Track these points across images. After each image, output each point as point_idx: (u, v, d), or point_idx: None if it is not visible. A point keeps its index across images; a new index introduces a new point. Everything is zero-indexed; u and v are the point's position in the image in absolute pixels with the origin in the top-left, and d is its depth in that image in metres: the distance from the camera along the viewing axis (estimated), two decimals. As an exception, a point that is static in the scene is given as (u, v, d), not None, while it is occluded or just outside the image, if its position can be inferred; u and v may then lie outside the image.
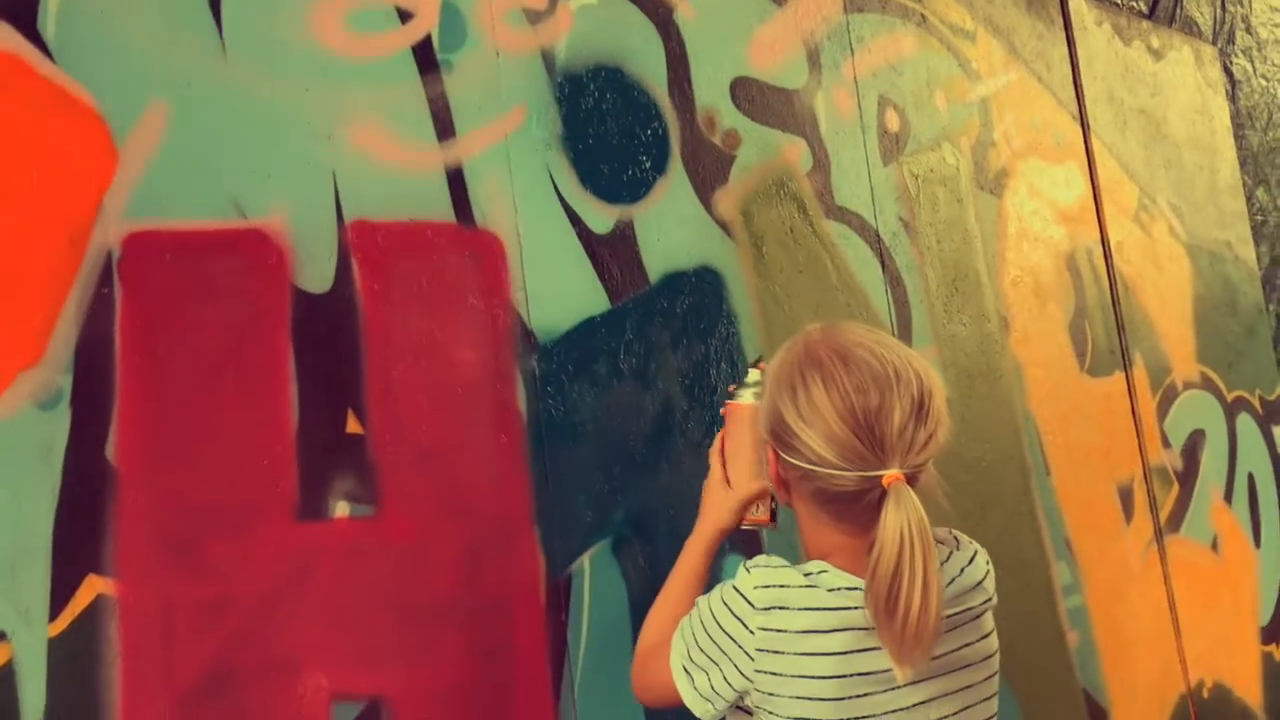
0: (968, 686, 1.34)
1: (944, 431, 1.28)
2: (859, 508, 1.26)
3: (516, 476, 1.72)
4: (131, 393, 1.38)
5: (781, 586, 1.28)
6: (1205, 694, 3.04)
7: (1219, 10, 3.84)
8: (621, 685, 1.77)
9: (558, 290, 1.82)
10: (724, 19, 2.17)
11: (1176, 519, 3.10)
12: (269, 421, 1.49)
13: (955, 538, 1.39)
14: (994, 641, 1.38)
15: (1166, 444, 3.13)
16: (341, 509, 1.53)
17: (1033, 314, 2.76)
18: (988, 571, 1.38)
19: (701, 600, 1.37)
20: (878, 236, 2.38)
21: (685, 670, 1.35)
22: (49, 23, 1.38)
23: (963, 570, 1.34)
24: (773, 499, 1.55)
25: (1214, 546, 3.26)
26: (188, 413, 1.42)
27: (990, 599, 1.37)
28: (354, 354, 1.58)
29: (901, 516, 1.20)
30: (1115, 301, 3.04)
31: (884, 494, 1.22)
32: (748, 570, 1.31)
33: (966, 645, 1.34)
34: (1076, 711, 2.61)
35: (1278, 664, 3.42)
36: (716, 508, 1.56)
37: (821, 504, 1.30)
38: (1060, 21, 3.09)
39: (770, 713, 1.29)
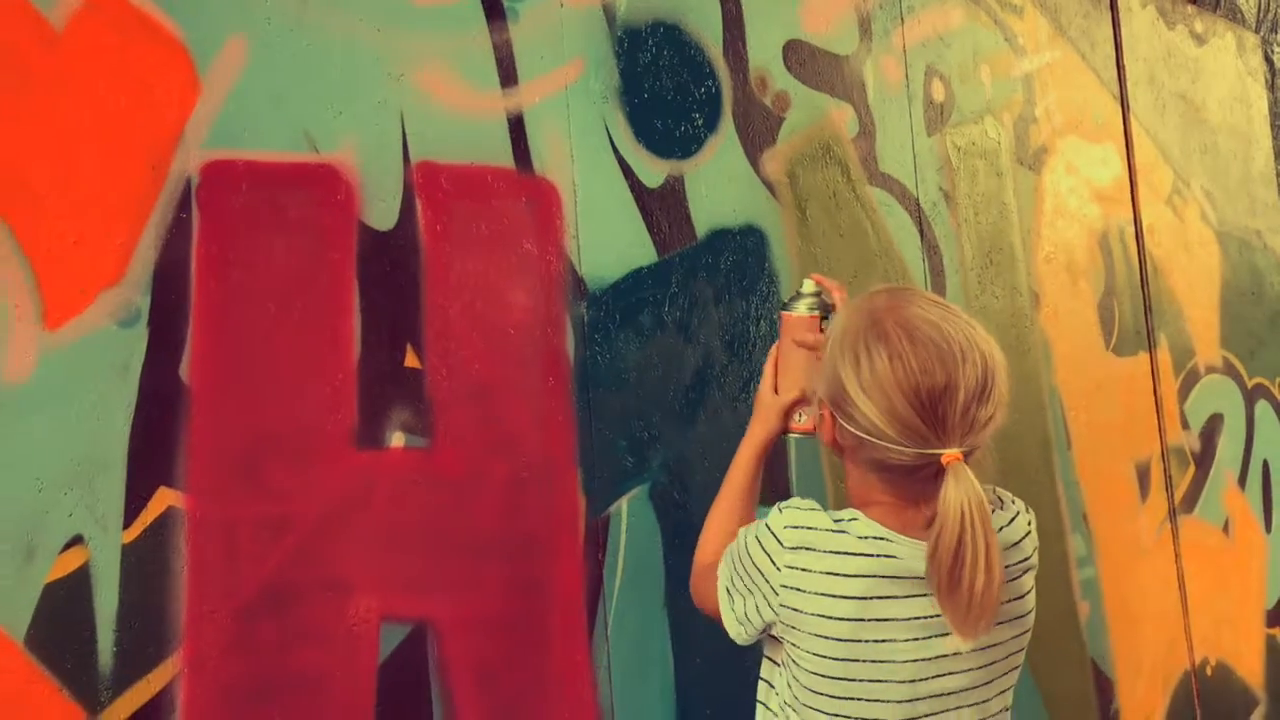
0: (994, 644, 1.35)
1: (1004, 412, 1.29)
2: (912, 480, 1.28)
3: (562, 418, 1.77)
4: (205, 315, 1.43)
5: (810, 529, 1.32)
6: (1209, 672, 3.10)
7: (1264, -2, 3.85)
8: (652, 624, 1.84)
9: (608, 240, 1.87)
10: (780, -18, 2.20)
11: (1191, 500, 3.15)
12: (332, 351, 1.54)
13: (999, 497, 1.41)
14: (1029, 604, 1.39)
15: (1185, 426, 3.18)
16: (397, 439, 1.58)
17: (1063, 291, 2.79)
18: (1028, 533, 1.39)
19: (742, 531, 1.42)
20: (918, 205, 2.42)
21: (727, 592, 1.42)
22: (140, -48, 1.42)
23: (1000, 530, 1.36)
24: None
25: (1225, 529, 3.31)
26: (256, 338, 1.47)
27: (1027, 560, 1.37)
28: (414, 291, 1.63)
29: (962, 495, 1.22)
30: (1144, 283, 3.08)
31: (939, 470, 1.24)
32: (780, 510, 1.36)
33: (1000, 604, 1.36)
34: (1084, 680, 2.68)
35: (1280, 647, 3.50)
36: (764, 413, 1.60)
37: (873, 470, 1.32)
38: (1107, 1, 3.11)
39: (792, 644, 1.34)
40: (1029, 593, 1.39)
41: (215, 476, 1.42)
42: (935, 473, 1.25)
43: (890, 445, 1.26)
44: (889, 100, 2.40)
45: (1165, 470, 3.06)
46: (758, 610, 1.36)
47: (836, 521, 1.33)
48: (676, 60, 2.00)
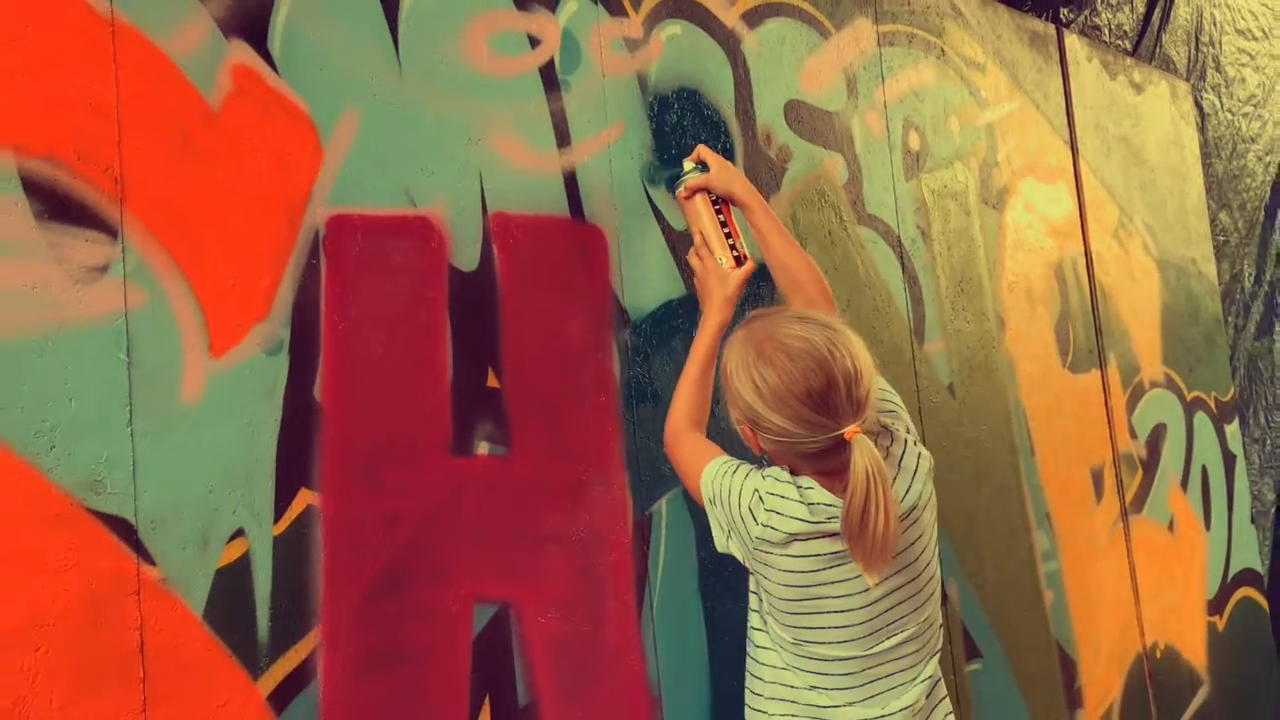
0: (907, 567, 1.69)
1: (875, 381, 1.63)
2: (828, 458, 1.61)
3: (612, 429, 2.06)
4: (332, 345, 1.71)
5: (782, 497, 1.65)
6: (1158, 655, 3.43)
7: (1193, 50, 4.24)
8: (689, 607, 2.12)
9: (646, 276, 2.17)
10: (780, 50, 2.52)
11: (1139, 501, 3.48)
12: (431, 374, 1.82)
13: (888, 429, 1.72)
14: (929, 537, 1.73)
15: (1134, 435, 3.51)
16: (483, 448, 1.87)
17: (1025, 315, 3.13)
18: (915, 471, 1.70)
19: (731, 471, 1.73)
20: (899, 242, 2.75)
21: (711, 502, 1.75)
22: (276, 42, 1.70)
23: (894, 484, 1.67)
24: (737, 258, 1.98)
25: (1170, 527, 3.64)
26: (372, 363, 1.75)
27: (915, 507, 1.69)
28: (493, 322, 1.91)
29: (864, 461, 1.54)
30: (1095, 307, 3.43)
31: (846, 445, 1.57)
32: (764, 478, 1.68)
33: (906, 547, 1.69)
34: (1050, 661, 3.00)
35: (1220, 633, 3.83)
36: (722, 291, 1.95)
37: (797, 459, 1.65)
38: (1057, 57, 3.47)
39: (764, 577, 1.69)
40: (925, 532, 1.72)
41: (343, 479, 1.69)
42: (841, 448, 1.57)
43: (802, 440, 1.58)
44: (873, 150, 2.73)
45: (1117, 475, 3.39)
46: (739, 546, 1.72)
47: (800, 489, 1.64)
48: (697, 121, 2.31)
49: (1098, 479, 3.30)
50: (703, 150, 2.03)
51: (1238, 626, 3.94)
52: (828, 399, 1.56)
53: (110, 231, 1.50)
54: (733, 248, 1.98)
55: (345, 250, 1.74)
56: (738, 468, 1.74)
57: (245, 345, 1.62)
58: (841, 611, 1.66)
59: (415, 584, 1.75)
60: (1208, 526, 3.87)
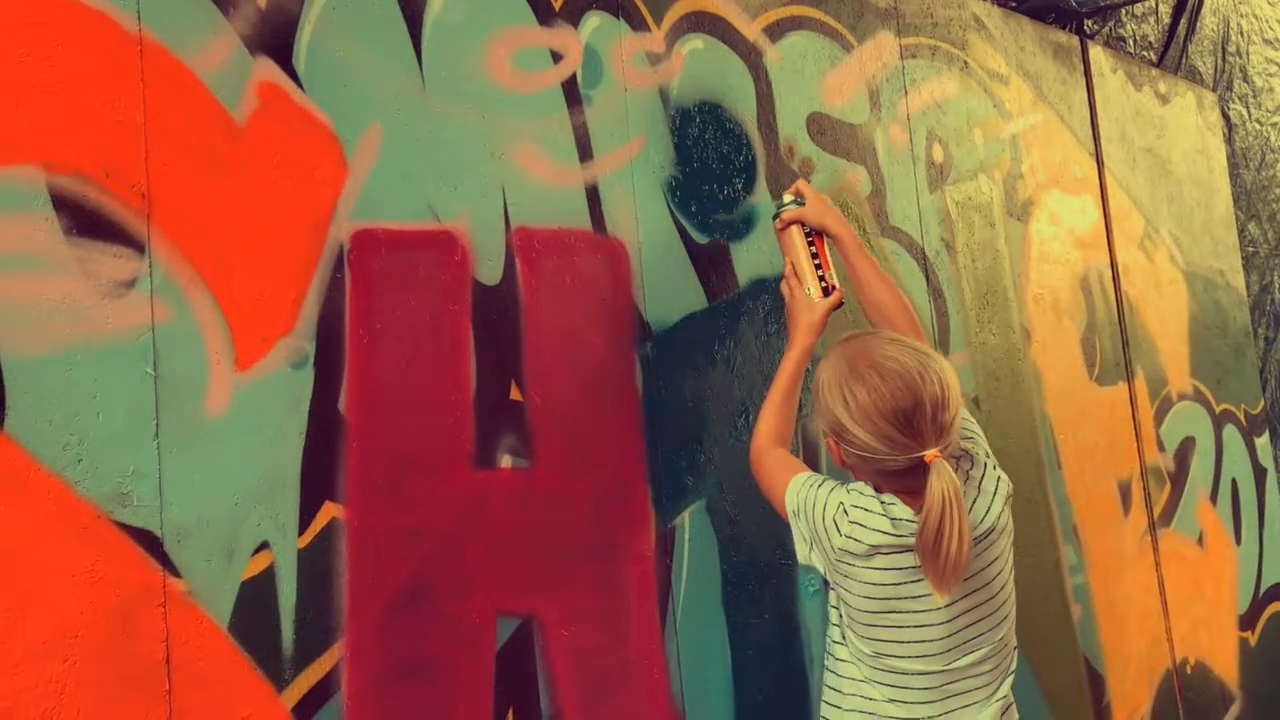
0: (984, 587, 1.71)
1: (961, 410, 1.67)
2: (907, 477, 1.64)
3: (634, 443, 2.06)
4: (357, 358, 1.72)
5: (866, 510, 1.68)
6: (1188, 670, 3.40)
7: (1220, 60, 4.22)
8: (712, 620, 2.12)
9: (667, 290, 2.17)
10: (803, 63, 2.52)
11: (1168, 514, 3.45)
12: (454, 387, 1.83)
13: (971, 456, 1.75)
14: (1005, 562, 1.75)
15: (1161, 448, 3.48)
16: (506, 461, 1.87)
17: (1051, 327, 3.12)
18: (995, 494, 1.73)
19: (823, 489, 1.74)
20: (924, 254, 2.74)
21: (795, 514, 1.76)
22: (301, 59, 1.72)
23: (971, 509, 1.70)
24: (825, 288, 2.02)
25: (1200, 541, 3.61)
26: (396, 376, 1.76)
27: (994, 528, 1.71)
28: (516, 336, 1.92)
29: (943, 484, 1.58)
30: (1121, 319, 3.41)
31: (924, 467, 1.60)
32: (848, 491, 1.71)
33: (983, 568, 1.72)
34: (1078, 676, 2.97)
35: (1251, 649, 3.78)
36: (808, 318, 1.99)
37: (878, 475, 1.68)
38: (1081, 68, 3.46)
39: (845, 589, 1.71)
40: (1002, 554, 1.74)
41: (367, 492, 1.70)
42: (922, 469, 1.61)
43: (884, 457, 1.62)
44: (896, 162, 2.72)
45: (1144, 488, 3.36)
46: (820, 558, 1.73)
47: (884, 504, 1.67)
48: (719, 134, 2.31)
49: (1125, 492, 3.28)
50: (801, 184, 2.06)
51: (1270, 641, 3.90)
52: (913, 420, 1.60)
53: (137, 247, 1.52)
54: (821, 279, 2.01)
55: (369, 264, 1.75)
56: (822, 482, 1.76)
57: (270, 359, 1.63)
58: (920, 626, 1.68)
59: (439, 596, 1.76)
60: (1238, 541, 3.83)
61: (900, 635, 1.68)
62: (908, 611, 1.67)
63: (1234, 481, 3.85)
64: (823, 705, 1.82)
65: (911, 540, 1.64)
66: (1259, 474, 4.04)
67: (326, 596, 1.64)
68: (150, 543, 1.48)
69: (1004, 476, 1.77)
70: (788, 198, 2.06)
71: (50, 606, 1.38)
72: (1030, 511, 2.91)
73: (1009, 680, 1.79)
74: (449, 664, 1.75)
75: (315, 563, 1.64)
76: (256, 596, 1.57)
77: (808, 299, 2.00)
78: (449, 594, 1.77)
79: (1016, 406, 2.93)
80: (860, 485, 1.72)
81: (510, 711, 1.81)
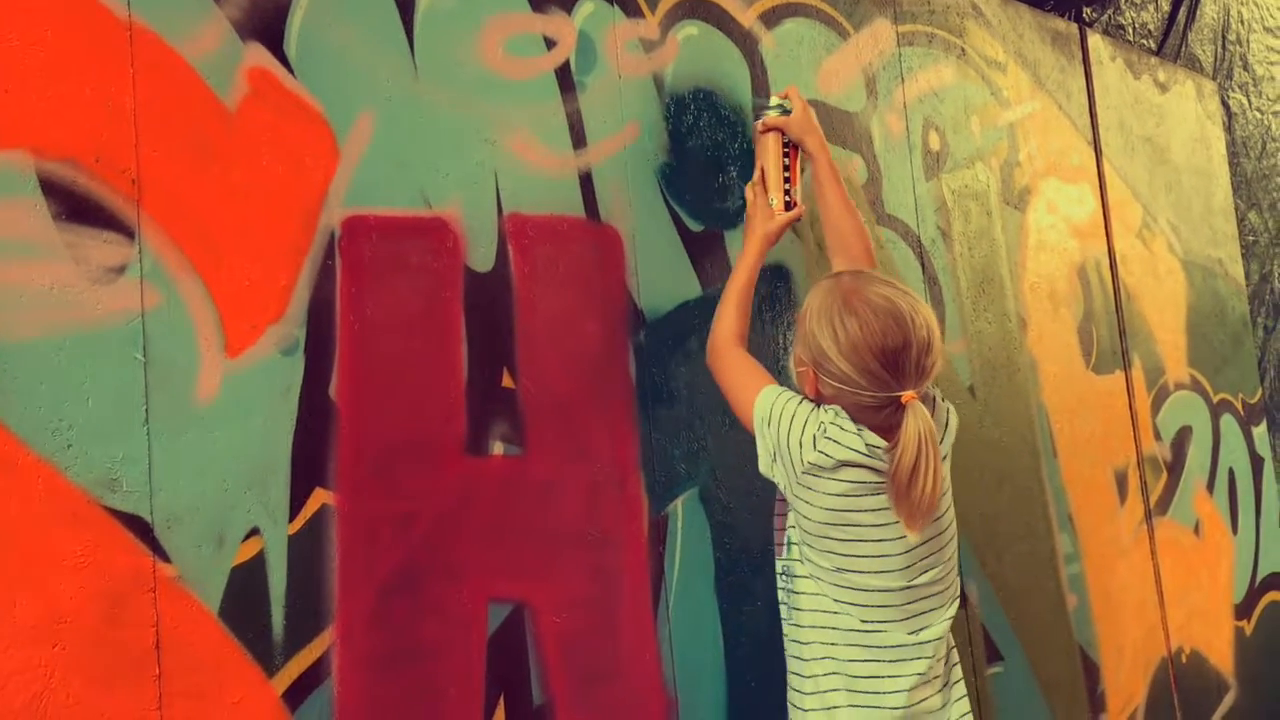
0: (935, 519, 1.78)
1: (943, 360, 1.74)
2: (880, 415, 1.71)
3: (627, 431, 2.06)
4: (347, 345, 1.72)
5: (842, 429, 1.72)
6: (1184, 659, 3.40)
7: (1220, 48, 4.20)
8: (705, 608, 2.12)
9: (661, 278, 2.17)
10: (798, 50, 2.51)
11: (1164, 503, 3.45)
12: (446, 374, 1.83)
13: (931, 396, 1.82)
14: (948, 482, 1.82)
15: (1158, 437, 3.48)
16: (498, 448, 1.87)
17: (1047, 316, 3.11)
18: (947, 425, 1.82)
19: (801, 405, 1.77)
20: (919, 242, 2.74)
21: (765, 423, 1.80)
22: (292, 44, 1.72)
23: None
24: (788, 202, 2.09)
25: (1196, 530, 3.61)
26: (387, 363, 1.76)
27: (945, 459, 1.79)
28: (508, 323, 1.92)
29: (919, 425, 1.65)
30: (1119, 308, 3.40)
31: (900, 406, 1.67)
32: (827, 412, 1.74)
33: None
34: (1072, 665, 2.98)
35: (1247, 638, 3.78)
36: (765, 228, 2.06)
37: (850, 411, 1.73)
38: (1080, 56, 3.45)
39: (805, 502, 1.75)
40: (946, 476, 1.81)
41: (358, 478, 1.70)
42: (895, 408, 1.67)
43: (862, 392, 1.68)
44: (893, 150, 2.71)
45: (1141, 477, 3.36)
46: (782, 472, 1.77)
47: (858, 426, 1.72)
48: (714, 122, 2.31)
49: (1121, 481, 3.28)
50: (793, 91, 2.12)
51: (1266, 631, 3.90)
52: (899, 359, 1.66)
53: (127, 232, 1.52)
54: (787, 192, 2.07)
55: (361, 251, 1.75)
56: (800, 399, 1.80)
57: (261, 345, 1.63)
58: (878, 541, 1.73)
59: (430, 583, 1.76)
60: (1235, 530, 3.83)
61: (859, 549, 1.74)
62: (865, 525, 1.73)
63: (1231, 471, 3.85)
64: (784, 626, 1.86)
65: (879, 464, 1.69)
66: (1256, 463, 4.03)
67: (317, 582, 1.64)
68: (140, 528, 1.48)
69: (952, 408, 1.86)
70: (774, 100, 2.10)
71: (40, 591, 1.39)
72: (1026, 500, 2.91)
73: (956, 604, 1.86)
74: (440, 650, 1.75)
75: (306, 549, 1.64)
76: (247, 582, 1.58)
77: (769, 208, 2.07)
78: (440, 580, 1.77)
79: (1013, 395, 2.93)
80: (835, 408, 1.75)
81: (501, 698, 1.81)
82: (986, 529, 2.75)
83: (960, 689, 1.86)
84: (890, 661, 1.76)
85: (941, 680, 1.82)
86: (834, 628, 1.78)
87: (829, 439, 1.71)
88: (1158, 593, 3.34)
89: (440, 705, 1.74)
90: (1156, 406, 3.51)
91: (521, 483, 1.89)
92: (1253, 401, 4.08)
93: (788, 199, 2.08)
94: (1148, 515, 3.36)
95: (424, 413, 1.79)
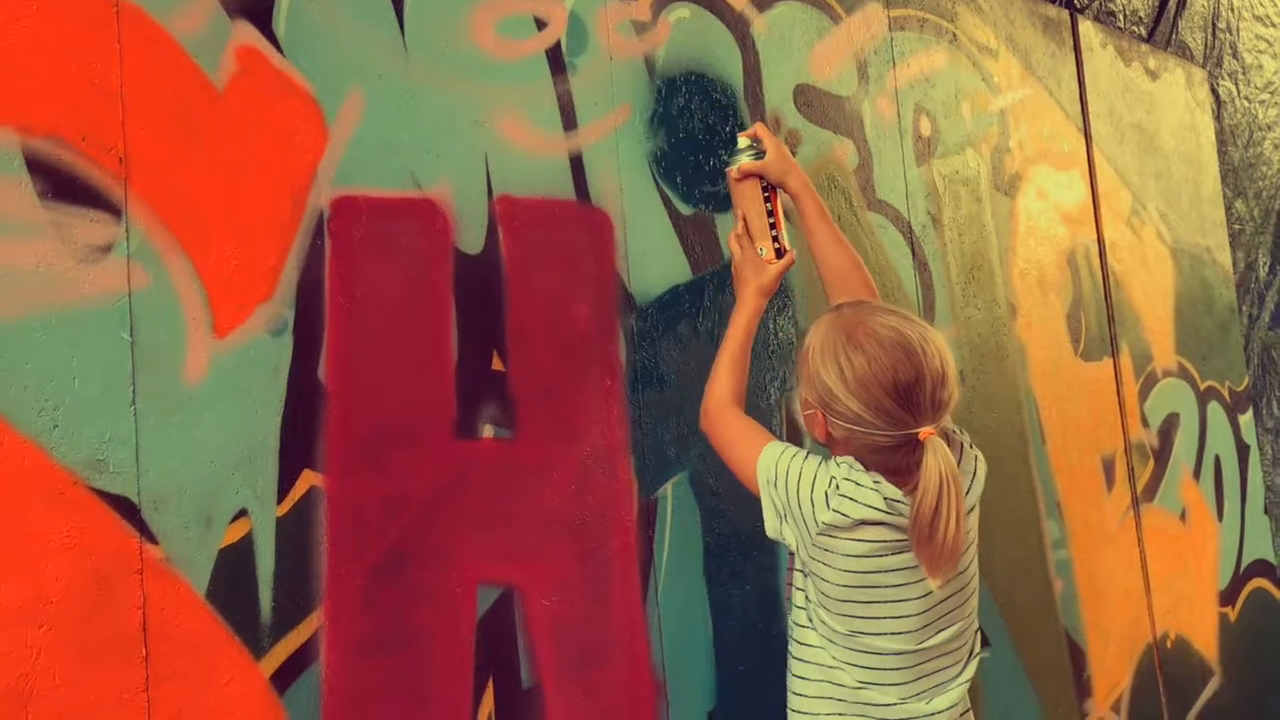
0: (959, 573, 1.68)
1: (959, 390, 1.62)
2: (894, 456, 1.59)
3: (617, 414, 2.06)
4: (337, 325, 1.71)
5: (858, 485, 1.62)
6: (1169, 645, 3.42)
7: (1210, 36, 4.20)
8: (694, 591, 2.12)
9: (652, 261, 2.16)
10: (790, 34, 2.51)
11: (1151, 490, 3.46)
12: (435, 356, 1.82)
13: (957, 440, 1.71)
14: (974, 536, 1.72)
15: (1145, 424, 3.49)
16: (488, 431, 1.86)
17: (1036, 302, 3.11)
18: (974, 474, 1.70)
19: (808, 461, 1.68)
20: (910, 228, 2.73)
21: (770, 484, 1.69)
22: (280, 23, 1.70)
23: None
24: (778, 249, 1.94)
25: (1182, 517, 3.62)
26: (377, 344, 1.75)
27: (973, 507, 1.69)
28: (498, 305, 1.91)
29: (939, 463, 1.53)
30: (1107, 295, 3.41)
31: (918, 445, 1.55)
32: (838, 465, 1.65)
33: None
34: (1059, 650, 2.99)
35: (1232, 624, 3.81)
36: (758, 281, 1.90)
37: (864, 451, 1.63)
38: (1070, 43, 3.45)
39: (822, 564, 1.65)
40: (973, 529, 1.71)
41: (347, 461, 1.69)
42: (912, 448, 1.55)
43: (876, 432, 1.56)
44: (884, 135, 2.71)
45: (1128, 464, 3.37)
46: (794, 532, 1.67)
47: (875, 482, 1.62)
48: (705, 105, 2.30)
49: (1109, 468, 3.29)
50: (760, 130, 1.94)
51: (1250, 618, 3.92)
52: (913, 394, 1.54)
53: (114, 211, 1.50)
54: (775, 239, 1.92)
55: (350, 232, 1.74)
56: (805, 454, 1.69)
57: (249, 326, 1.62)
58: (899, 601, 1.64)
59: (419, 566, 1.75)
60: (1220, 517, 3.84)
61: (878, 611, 1.65)
62: (887, 586, 1.64)
63: (1217, 458, 3.86)
64: (789, 696, 1.77)
65: (900, 519, 1.59)
66: (1242, 451, 4.05)
67: (305, 565, 1.64)
68: (127, 509, 1.47)
69: (980, 455, 1.74)
70: (743, 142, 1.94)
71: (26, 572, 1.37)
72: (1013, 486, 2.92)
73: (974, 663, 1.76)
74: (429, 633, 1.75)
75: (294, 531, 1.63)
76: (234, 564, 1.57)
77: (758, 258, 1.91)
78: (429, 563, 1.76)
79: (1001, 381, 2.93)
80: (848, 459, 1.65)
81: (490, 681, 1.81)
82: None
83: None
84: None
85: None
86: (839, 699, 1.69)
87: (844, 496, 1.60)
88: (1144, 579, 3.35)
89: (429, 688, 1.74)
90: (1144, 394, 3.51)
91: (511, 466, 1.89)
92: (1239, 389, 4.09)
93: (777, 246, 1.93)
94: (1135, 502, 3.37)
95: (413, 395, 1.78)
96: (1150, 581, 3.37)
